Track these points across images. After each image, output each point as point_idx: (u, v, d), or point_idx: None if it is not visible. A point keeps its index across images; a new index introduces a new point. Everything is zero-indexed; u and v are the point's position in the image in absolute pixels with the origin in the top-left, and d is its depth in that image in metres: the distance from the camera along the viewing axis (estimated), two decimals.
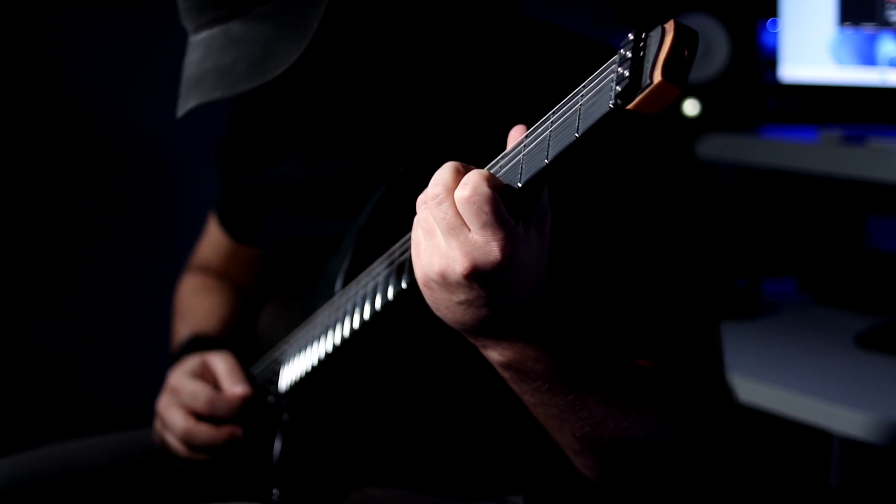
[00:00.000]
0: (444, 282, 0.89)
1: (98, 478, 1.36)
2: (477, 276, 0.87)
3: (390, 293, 1.05)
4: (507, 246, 0.86)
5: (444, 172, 0.90)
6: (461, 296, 0.90)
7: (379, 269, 1.10)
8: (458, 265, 0.87)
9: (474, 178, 0.87)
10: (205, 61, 1.11)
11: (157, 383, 1.39)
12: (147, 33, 2.78)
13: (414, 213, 0.93)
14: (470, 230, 0.87)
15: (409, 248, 1.02)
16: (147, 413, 1.41)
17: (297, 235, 1.36)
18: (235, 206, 1.54)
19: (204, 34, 1.13)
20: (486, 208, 0.86)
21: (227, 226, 1.58)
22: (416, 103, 1.20)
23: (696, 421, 1.10)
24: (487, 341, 0.95)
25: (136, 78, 2.80)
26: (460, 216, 0.87)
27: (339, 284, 1.23)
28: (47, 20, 2.72)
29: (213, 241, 1.62)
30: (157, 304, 2.18)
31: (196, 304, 1.57)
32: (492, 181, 0.87)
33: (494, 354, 0.96)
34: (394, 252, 1.07)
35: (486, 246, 0.87)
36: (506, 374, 0.98)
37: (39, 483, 1.33)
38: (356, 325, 1.13)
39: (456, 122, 1.22)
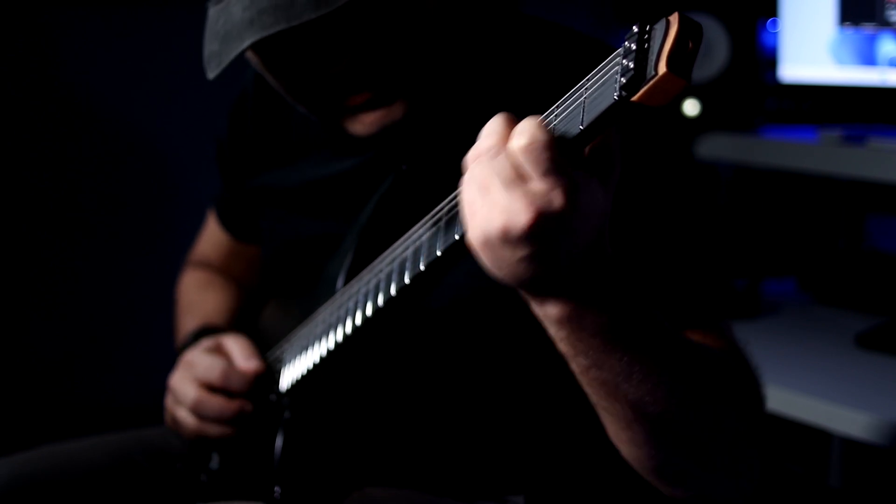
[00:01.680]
0: (506, 238, 0.85)
1: (98, 478, 1.36)
2: (541, 225, 0.83)
3: (393, 289, 1.05)
4: (572, 192, 0.83)
5: (496, 124, 0.87)
6: (524, 251, 0.85)
7: (381, 265, 1.10)
8: (522, 216, 0.83)
9: (530, 125, 0.84)
10: (259, 1, 1.07)
11: (157, 383, 1.38)
12: (147, 33, 2.78)
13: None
14: (530, 179, 0.84)
15: (411, 244, 1.02)
16: (147, 413, 1.41)
17: (297, 236, 1.36)
18: (235, 204, 1.53)
19: None
20: (547, 154, 0.83)
21: (227, 224, 1.58)
22: (417, 101, 1.19)
23: (737, 395, 1.08)
24: (547, 296, 0.91)
25: (136, 78, 2.80)
26: (519, 166, 0.84)
27: (340, 283, 1.22)
28: (47, 20, 2.71)
29: (212, 238, 1.62)
30: (157, 304, 2.17)
31: (201, 298, 1.57)
32: (547, 127, 0.84)
33: (553, 310, 0.91)
34: (396, 248, 1.07)
35: (550, 193, 0.83)
36: (562, 333, 0.93)
37: (39, 483, 1.33)
38: (359, 322, 1.13)
39: (458, 119, 1.22)
